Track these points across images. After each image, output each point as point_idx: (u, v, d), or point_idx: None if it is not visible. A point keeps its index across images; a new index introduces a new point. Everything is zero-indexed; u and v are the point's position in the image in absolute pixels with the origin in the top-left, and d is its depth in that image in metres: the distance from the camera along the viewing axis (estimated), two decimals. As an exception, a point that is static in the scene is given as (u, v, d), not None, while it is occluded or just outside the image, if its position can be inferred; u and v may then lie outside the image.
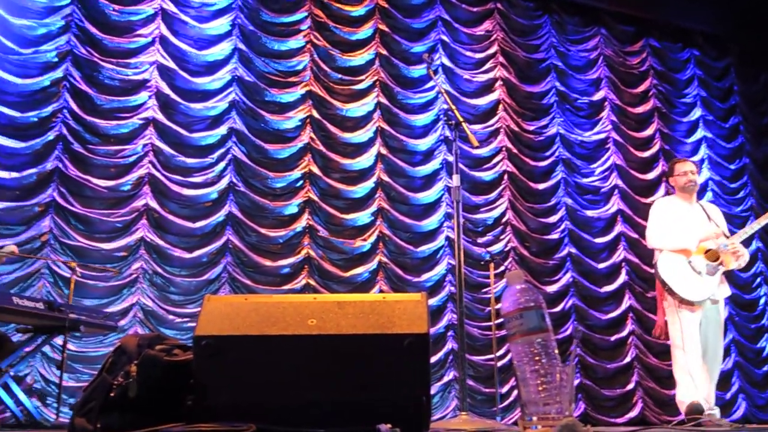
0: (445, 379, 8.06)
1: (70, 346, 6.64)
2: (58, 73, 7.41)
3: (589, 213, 9.50)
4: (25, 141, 7.15)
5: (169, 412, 2.28)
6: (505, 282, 6.95)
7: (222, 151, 7.93)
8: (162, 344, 2.61)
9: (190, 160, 7.80)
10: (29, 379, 6.52)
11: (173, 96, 7.84)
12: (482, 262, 7.52)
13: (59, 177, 7.17)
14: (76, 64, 7.52)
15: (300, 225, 8.06)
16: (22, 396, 4.61)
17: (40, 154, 7.19)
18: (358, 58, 8.84)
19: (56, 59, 7.46)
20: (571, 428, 1.41)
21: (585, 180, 9.63)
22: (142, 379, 2.38)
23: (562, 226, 9.25)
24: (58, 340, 5.62)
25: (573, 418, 1.47)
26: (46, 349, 6.52)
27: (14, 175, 7.05)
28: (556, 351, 1.61)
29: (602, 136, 9.85)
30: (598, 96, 10.00)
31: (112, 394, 2.41)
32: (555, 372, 1.57)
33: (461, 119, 3.68)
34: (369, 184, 8.47)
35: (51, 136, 7.24)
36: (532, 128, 9.55)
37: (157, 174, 7.57)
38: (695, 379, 4.80)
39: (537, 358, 1.59)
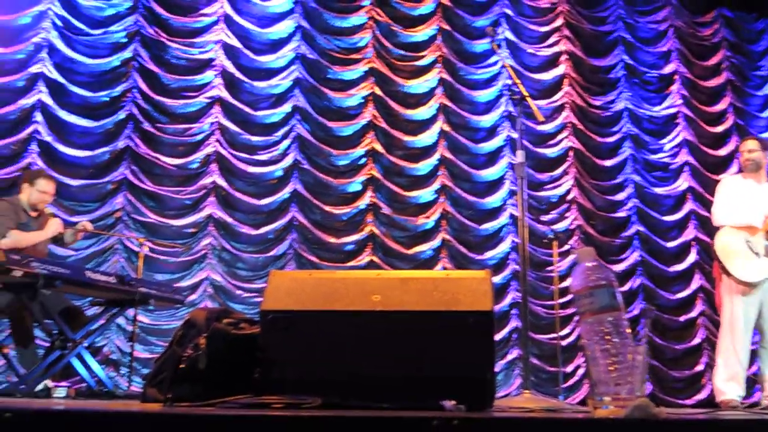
0: (509, 357, 8.02)
1: (144, 319, 6.89)
2: (127, 53, 7.61)
3: (658, 190, 9.23)
4: (97, 120, 7.39)
5: (236, 384, 2.34)
6: (574, 259, 6.82)
7: (286, 129, 8.03)
8: (229, 318, 2.68)
9: (255, 138, 7.92)
10: (106, 350, 6.79)
11: (238, 74, 7.96)
12: (544, 240, 7.42)
13: (130, 155, 7.40)
14: (144, 44, 7.71)
15: (363, 202, 8.10)
16: (95, 366, 4.79)
17: (111, 132, 7.43)
18: (420, 34, 8.77)
19: (125, 39, 7.66)
20: (643, 409, 1.39)
21: (654, 156, 9.35)
22: (210, 352, 2.45)
23: (630, 204, 9.02)
24: (132, 313, 5.82)
25: (645, 399, 1.45)
26: (121, 322, 6.78)
27: (87, 153, 7.31)
28: (628, 330, 1.58)
29: (672, 110, 9.52)
30: (667, 69, 9.66)
31: (182, 366, 2.48)
32: (626, 352, 1.54)
33: (526, 94, 3.61)
34: (432, 161, 8.44)
35: (122, 115, 7.46)
36: (598, 103, 9.31)
37: (224, 152, 7.73)
38: (733, 367, 4.66)
39: (608, 337, 1.56)
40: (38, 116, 7.16)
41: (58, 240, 4.97)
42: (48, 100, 7.23)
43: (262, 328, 2.40)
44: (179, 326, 2.69)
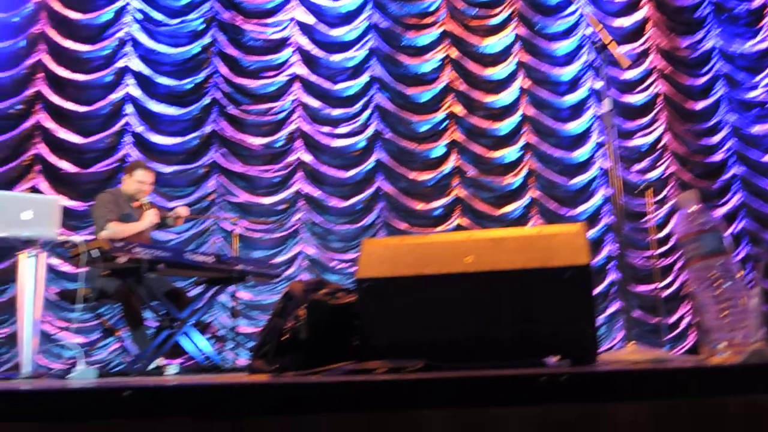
0: (610, 310, 7.87)
1: (245, 295, 7.13)
2: (206, 39, 7.80)
3: (756, 129, 8.74)
4: (184, 107, 7.63)
5: (337, 352, 2.38)
6: (670, 207, 6.55)
7: (365, 99, 8.05)
8: (325, 288, 2.74)
9: (336, 112, 7.99)
10: (213, 327, 7.08)
11: (314, 50, 8.02)
12: (635, 191, 7.18)
13: (218, 139, 7.62)
14: (221, 29, 7.87)
15: (448, 166, 8.06)
16: (202, 343, 5.00)
17: (198, 118, 7.65)
18: (494, -11, 8.56)
19: (203, 26, 7.84)
20: (762, 354, 1.33)
21: (749, 95, 8.84)
22: (310, 322, 2.51)
23: (727, 146, 8.60)
24: (232, 290, 6.04)
25: (763, 343, 1.39)
26: (224, 299, 7.03)
27: (178, 140, 7.56)
28: (740, 274, 1.51)
29: (765, 45, 8.96)
30: (757, 2, 9.07)
31: (284, 337, 2.56)
32: (738, 296, 1.48)
33: (608, 40, 3.47)
34: (514, 119, 8.29)
35: (207, 100, 7.67)
36: (685, 44, 8.87)
37: (307, 127, 7.83)
38: None
39: (717, 282, 1.50)
40: (128, 108, 7.45)
41: (161, 225, 5.17)
42: (136, 92, 7.50)
43: (358, 296, 2.43)
44: (279, 299, 2.76)
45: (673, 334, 7.78)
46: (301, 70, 7.94)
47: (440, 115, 8.17)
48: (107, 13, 7.60)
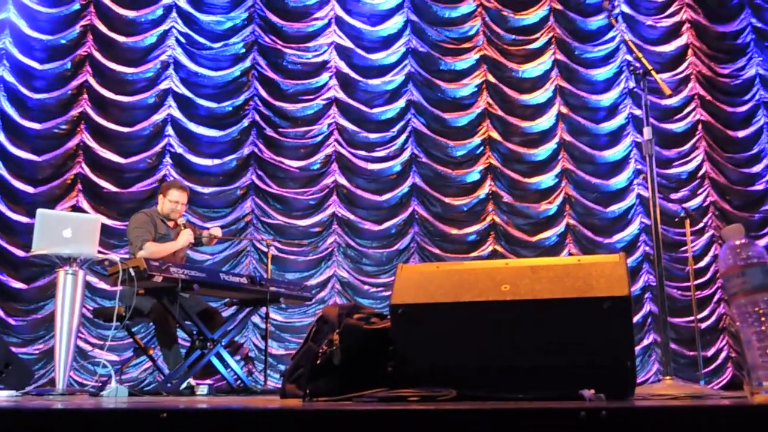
0: (645, 342, 7.73)
1: (277, 317, 7.16)
2: (247, 63, 7.92)
3: (800, 160, 8.56)
4: (223, 129, 7.74)
5: (370, 378, 2.37)
6: (708, 238, 6.41)
7: (402, 123, 8.09)
8: (360, 313, 2.73)
9: (372, 135, 8.04)
10: (244, 348, 7.11)
11: (352, 74, 8.09)
12: (677, 219, 7.06)
13: (256, 160, 7.70)
14: (261, 53, 7.99)
15: (483, 192, 8.03)
16: (233, 364, 5.01)
17: (237, 140, 7.76)
18: (532, 16, 8.57)
19: (243, 50, 7.97)
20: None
21: (792, 123, 8.69)
22: (344, 347, 2.49)
23: (769, 176, 8.44)
24: (265, 311, 6.06)
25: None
26: (256, 320, 7.07)
27: (216, 162, 7.67)
28: (787, 310, 1.47)
29: (810, 73, 8.80)
30: (802, 29, 8.94)
31: (318, 362, 2.54)
32: (785, 333, 1.43)
33: (650, 67, 3.44)
34: (551, 145, 8.25)
35: (245, 123, 7.77)
36: (726, 71, 8.76)
37: (343, 151, 7.89)
38: None
39: (763, 318, 1.46)
40: (169, 130, 7.58)
41: (196, 244, 5.22)
42: (177, 114, 7.64)
43: (392, 322, 2.41)
44: (313, 322, 2.76)
45: (709, 368, 7.60)
46: (338, 93, 8.01)
47: (476, 140, 8.17)
48: (151, 37, 7.77)
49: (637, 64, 3.54)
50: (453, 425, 1.48)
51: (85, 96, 7.51)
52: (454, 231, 7.93)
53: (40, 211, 4.02)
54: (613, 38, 8.51)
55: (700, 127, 8.46)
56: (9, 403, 2.37)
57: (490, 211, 7.99)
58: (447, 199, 7.99)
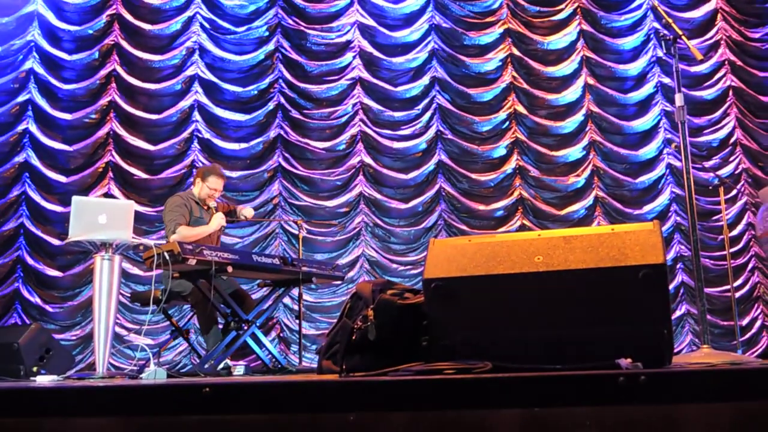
0: (677, 313, 7.67)
1: (307, 297, 7.22)
2: (270, 46, 7.93)
3: (835, 122, 8.38)
4: (250, 113, 7.78)
5: (405, 353, 2.38)
6: (742, 205, 6.29)
7: (427, 101, 8.05)
8: (393, 289, 2.75)
9: (397, 114, 8.02)
10: (276, 329, 7.20)
11: (376, 53, 8.06)
12: (710, 188, 6.96)
13: (282, 143, 7.74)
14: (285, 35, 7.99)
15: (510, 166, 7.99)
16: (268, 344, 5.08)
17: (263, 124, 7.79)
18: (556, -13, 8.45)
19: (267, 33, 7.98)
20: None
21: (825, 87, 8.49)
22: (379, 322, 2.51)
23: (803, 140, 8.27)
24: (295, 292, 6.12)
25: None
26: (288, 301, 7.14)
27: (243, 145, 7.72)
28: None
29: (842, 35, 8.57)
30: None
31: (353, 338, 2.57)
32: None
33: (680, 32, 3.38)
34: (578, 117, 8.16)
35: (271, 106, 7.80)
36: (757, 35, 8.57)
37: (369, 131, 7.88)
38: None
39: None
40: (197, 115, 7.64)
41: (229, 215, 5.21)
42: (204, 100, 7.69)
43: (425, 296, 2.42)
44: (347, 299, 2.79)
45: (744, 337, 7.53)
46: (362, 73, 7.99)
47: (502, 114, 8.11)
48: (176, 24, 7.82)
49: (666, 31, 3.48)
50: (491, 395, 1.49)
51: (114, 85, 7.59)
52: (481, 207, 7.90)
53: (75, 198, 4.08)
54: (639, 6, 8.36)
55: (730, 93, 8.31)
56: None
57: (517, 186, 7.95)
58: (473, 175, 7.96)
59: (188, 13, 7.84)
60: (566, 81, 8.26)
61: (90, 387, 1.70)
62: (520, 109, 8.12)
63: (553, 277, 2.24)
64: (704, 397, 1.28)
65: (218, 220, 4.97)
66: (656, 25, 8.20)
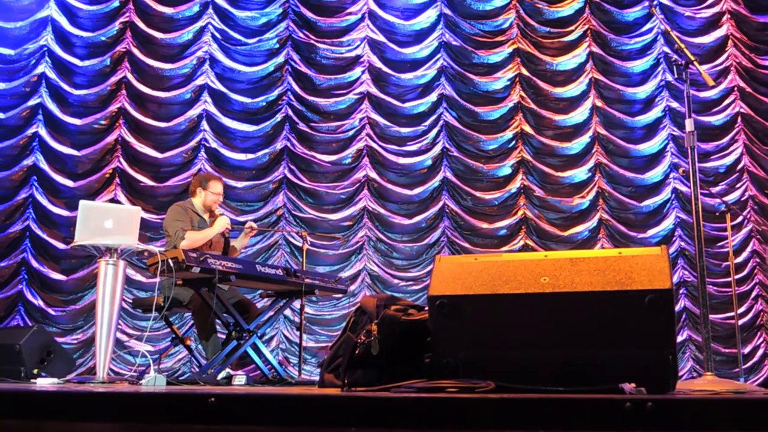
0: (679, 338, 7.63)
1: (308, 309, 7.21)
2: (280, 59, 7.97)
3: (841, 153, 8.36)
4: (257, 124, 7.82)
5: (408, 369, 2.37)
6: (747, 233, 6.25)
7: (434, 118, 8.08)
8: (397, 305, 2.74)
9: (404, 130, 8.04)
10: (275, 340, 7.18)
11: (384, 68, 8.10)
12: (716, 214, 6.94)
13: (288, 155, 7.77)
14: (295, 48, 8.04)
15: (515, 186, 8.00)
16: (269, 355, 5.06)
17: (270, 135, 7.83)
18: (567, 8, 8.48)
19: (277, 45, 8.03)
20: None
21: (833, 116, 8.48)
22: (382, 338, 2.51)
23: (809, 170, 8.26)
24: (296, 304, 6.11)
25: None
26: (288, 313, 7.13)
27: (250, 156, 7.75)
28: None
29: None
30: None
31: (356, 352, 2.56)
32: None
33: (692, 58, 3.39)
34: (585, 138, 8.17)
35: (278, 117, 7.84)
36: (767, 63, 8.59)
37: (375, 145, 7.91)
38: None
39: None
40: (205, 124, 7.68)
41: (227, 244, 5.21)
42: (212, 109, 7.73)
43: (430, 313, 2.42)
44: (351, 312, 2.78)
45: (746, 365, 7.49)
46: (371, 88, 8.03)
47: (508, 134, 8.12)
48: (188, 33, 7.88)
49: (677, 56, 3.49)
50: (493, 415, 1.49)
51: (124, 92, 7.65)
52: (484, 225, 7.90)
53: (83, 202, 4.08)
54: (650, 30, 8.40)
55: (739, 119, 8.31)
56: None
57: (521, 205, 7.95)
58: (478, 193, 7.96)
59: (200, 23, 7.90)
60: (574, 102, 8.28)
61: (95, 392, 1.69)
62: (527, 128, 8.13)
63: (559, 298, 2.24)
64: (711, 425, 1.28)
65: (223, 222, 4.94)
66: (666, 49, 8.24)
